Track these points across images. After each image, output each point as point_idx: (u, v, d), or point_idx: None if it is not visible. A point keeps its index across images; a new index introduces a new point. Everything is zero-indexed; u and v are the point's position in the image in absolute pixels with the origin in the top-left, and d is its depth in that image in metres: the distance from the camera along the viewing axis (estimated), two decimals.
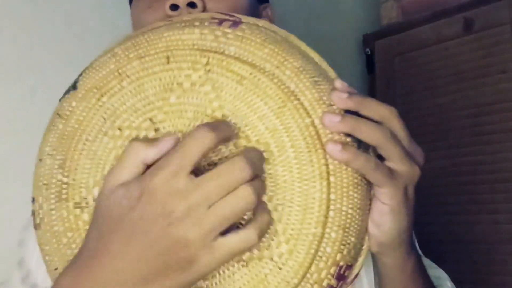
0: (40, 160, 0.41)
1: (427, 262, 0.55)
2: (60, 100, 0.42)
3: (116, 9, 0.92)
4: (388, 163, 0.38)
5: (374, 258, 0.45)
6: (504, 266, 1.08)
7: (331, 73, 0.40)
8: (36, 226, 0.40)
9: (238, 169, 0.32)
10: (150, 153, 0.33)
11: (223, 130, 0.34)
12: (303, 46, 0.41)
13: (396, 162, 0.38)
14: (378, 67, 1.35)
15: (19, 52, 0.84)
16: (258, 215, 0.34)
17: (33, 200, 0.40)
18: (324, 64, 0.41)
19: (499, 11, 1.12)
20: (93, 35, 0.90)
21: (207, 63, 0.38)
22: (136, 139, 0.38)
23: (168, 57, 0.39)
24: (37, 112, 0.79)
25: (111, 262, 0.32)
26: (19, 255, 0.55)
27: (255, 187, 0.33)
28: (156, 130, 0.38)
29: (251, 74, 0.38)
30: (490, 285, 1.09)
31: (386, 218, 0.39)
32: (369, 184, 0.39)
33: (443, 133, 1.17)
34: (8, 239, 0.60)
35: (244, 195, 0.32)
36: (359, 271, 0.39)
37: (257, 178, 0.34)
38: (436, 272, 0.57)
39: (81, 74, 0.41)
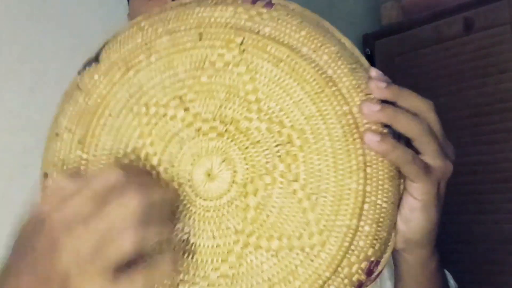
0: (57, 134, 0.39)
1: None
2: (79, 72, 0.40)
3: (116, 9, 0.92)
4: (423, 157, 0.37)
5: (395, 254, 0.43)
6: (504, 266, 1.08)
7: (364, 61, 0.39)
8: None
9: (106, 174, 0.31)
10: (69, 185, 0.32)
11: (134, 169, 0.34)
12: (335, 31, 0.39)
13: (431, 156, 0.37)
14: (378, 67, 1.33)
15: (19, 52, 0.84)
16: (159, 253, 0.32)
17: (46, 175, 0.39)
18: (356, 52, 0.39)
19: (499, 11, 1.12)
20: (93, 35, 0.90)
21: (242, 43, 0.37)
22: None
23: (200, 34, 0.37)
24: (37, 112, 0.79)
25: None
26: None
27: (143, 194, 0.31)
28: (186, 109, 0.37)
29: (288, 56, 0.36)
30: (490, 285, 1.09)
31: (417, 214, 0.38)
32: (400, 178, 0.38)
33: None
34: (8, 239, 0.60)
35: (123, 201, 0.30)
36: (383, 268, 0.38)
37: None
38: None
39: (103, 47, 0.40)
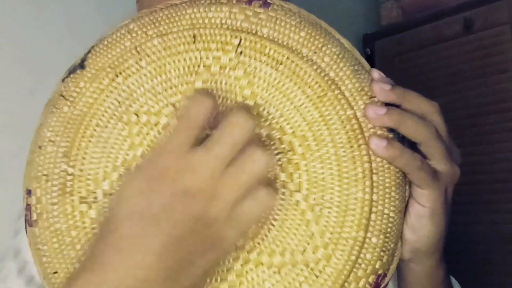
0: (40, 147, 0.36)
1: None
2: (63, 80, 0.37)
3: (116, 9, 0.92)
4: (430, 162, 0.35)
5: (400, 264, 0.40)
6: (504, 266, 1.08)
7: (364, 62, 0.37)
8: (32, 223, 0.35)
9: (239, 124, 0.29)
10: None
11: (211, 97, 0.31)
12: (334, 32, 0.37)
13: (439, 161, 0.35)
14: (378, 67, 1.33)
15: (19, 52, 0.84)
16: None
17: (29, 192, 0.36)
18: (356, 53, 0.37)
19: (499, 11, 1.12)
20: (93, 35, 0.90)
21: (239, 45, 0.34)
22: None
23: (194, 36, 0.35)
24: (36, 112, 0.79)
25: (132, 256, 0.29)
26: (14, 246, 0.54)
27: (263, 148, 0.30)
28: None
29: (288, 58, 0.34)
30: (490, 285, 1.09)
31: (425, 222, 0.36)
32: (406, 185, 0.36)
33: None
34: (7, 239, 0.60)
35: (255, 156, 0.30)
36: (389, 280, 0.35)
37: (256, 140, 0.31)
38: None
39: (89, 52, 0.37)
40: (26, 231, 0.36)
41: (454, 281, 0.54)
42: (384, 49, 1.34)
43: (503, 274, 1.07)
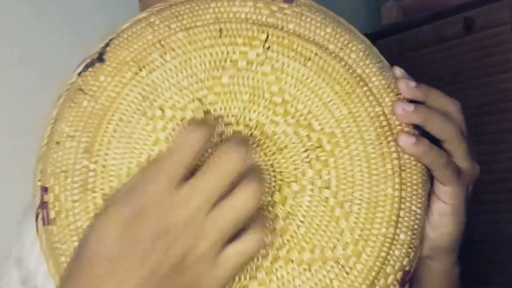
0: (58, 143, 0.35)
1: None
2: (79, 74, 0.36)
3: (117, 9, 0.92)
4: (454, 160, 0.36)
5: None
6: (505, 267, 1.07)
7: (384, 60, 0.37)
8: (50, 221, 0.34)
9: (229, 158, 0.27)
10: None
11: (210, 125, 0.30)
12: (354, 29, 0.37)
13: (462, 159, 0.36)
14: None
15: (19, 52, 0.84)
16: (256, 213, 0.29)
17: (45, 189, 0.34)
18: (375, 50, 0.37)
19: (499, 11, 1.12)
20: (93, 35, 0.90)
21: (267, 40, 0.34)
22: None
23: (221, 30, 0.34)
24: (37, 112, 0.79)
25: None
26: (17, 253, 0.55)
27: (258, 179, 0.28)
28: (206, 112, 0.34)
29: (316, 55, 0.34)
30: (490, 285, 1.08)
31: (447, 219, 0.36)
32: (429, 182, 0.36)
33: None
34: (7, 240, 0.60)
35: (247, 192, 0.27)
36: (411, 277, 0.35)
37: (251, 170, 0.29)
38: None
39: (107, 45, 0.36)
40: (37, 230, 0.35)
41: None
42: (384, 49, 1.34)
43: (505, 274, 1.07)
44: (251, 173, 0.28)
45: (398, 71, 0.37)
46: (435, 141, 0.36)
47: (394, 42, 1.32)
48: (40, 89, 0.84)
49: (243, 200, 0.28)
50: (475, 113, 1.14)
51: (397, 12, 1.36)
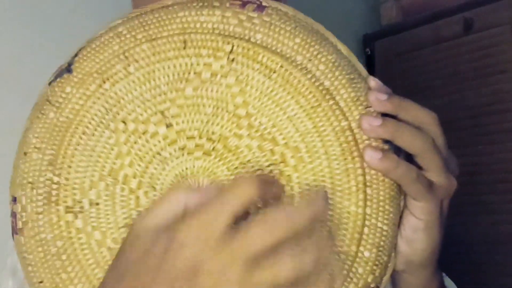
0: (25, 154, 0.35)
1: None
2: (49, 83, 0.36)
3: (116, 9, 0.92)
4: (426, 174, 0.34)
5: (394, 275, 0.39)
6: (504, 267, 1.08)
7: (361, 69, 0.36)
8: (18, 231, 0.35)
9: (282, 221, 0.26)
10: (191, 199, 0.28)
11: (270, 184, 0.29)
12: (331, 37, 0.36)
13: (436, 173, 0.34)
14: (378, 67, 1.34)
15: (19, 52, 0.84)
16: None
17: (15, 200, 0.35)
18: (353, 59, 0.36)
19: (499, 11, 1.12)
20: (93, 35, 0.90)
21: (231, 51, 0.33)
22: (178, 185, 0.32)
23: (185, 41, 0.34)
24: None
25: None
26: (12, 262, 0.54)
27: (321, 247, 0.27)
28: (169, 125, 0.33)
29: (281, 67, 0.33)
30: (490, 285, 1.09)
31: (420, 234, 0.35)
32: (400, 196, 0.35)
33: None
34: (6, 240, 0.60)
35: (299, 260, 0.26)
36: None
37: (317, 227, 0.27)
38: (445, 282, 0.55)
39: (76, 55, 0.36)
40: (13, 237, 0.35)
41: (449, 281, 0.54)
42: (384, 49, 1.34)
43: (503, 274, 1.07)
44: (311, 240, 0.27)
45: (373, 81, 0.35)
46: (410, 155, 0.35)
47: (393, 42, 1.32)
48: (40, 90, 0.84)
49: (289, 266, 0.26)
50: (474, 113, 1.14)
51: (396, 12, 1.36)
